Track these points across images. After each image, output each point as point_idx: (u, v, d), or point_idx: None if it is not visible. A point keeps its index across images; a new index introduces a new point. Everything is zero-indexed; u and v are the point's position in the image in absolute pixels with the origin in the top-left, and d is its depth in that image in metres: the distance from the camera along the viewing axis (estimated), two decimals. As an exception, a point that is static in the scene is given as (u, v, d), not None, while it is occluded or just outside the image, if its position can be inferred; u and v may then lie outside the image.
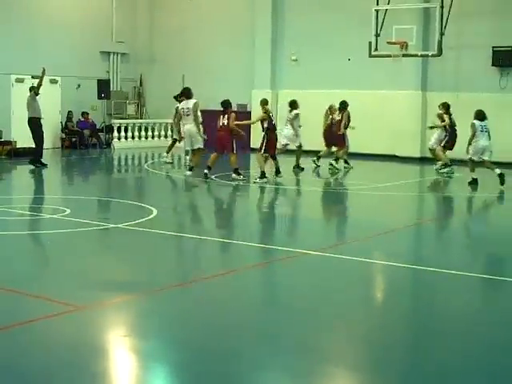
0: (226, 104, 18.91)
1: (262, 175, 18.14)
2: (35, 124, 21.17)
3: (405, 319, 7.59)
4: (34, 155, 21.27)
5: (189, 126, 18.86)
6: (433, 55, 22.79)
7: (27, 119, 21.39)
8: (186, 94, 19.58)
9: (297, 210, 15.86)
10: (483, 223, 14.62)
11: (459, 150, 19.46)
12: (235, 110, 28.35)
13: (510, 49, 23.64)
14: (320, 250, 10.44)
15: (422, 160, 24.62)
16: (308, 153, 21.96)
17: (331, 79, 26.23)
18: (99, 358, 6.12)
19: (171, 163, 22.71)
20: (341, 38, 26.10)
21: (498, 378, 5.88)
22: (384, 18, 22.50)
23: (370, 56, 22.82)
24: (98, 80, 29.42)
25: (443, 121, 20.95)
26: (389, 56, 22.52)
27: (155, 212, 13.26)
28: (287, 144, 21.15)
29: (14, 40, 26.48)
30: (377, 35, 22.53)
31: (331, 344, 6.67)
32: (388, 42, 22.28)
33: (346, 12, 25.96)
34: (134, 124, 29.37)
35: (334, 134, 21.47)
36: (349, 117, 21.57)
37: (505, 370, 6.02)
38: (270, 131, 18.77)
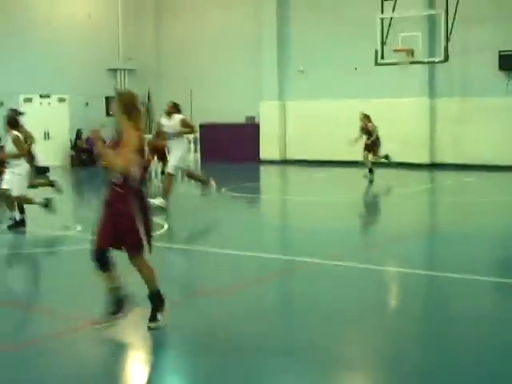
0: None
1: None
2: None
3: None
4: None
5: None
6: (439, 61, 22.34)
7: None
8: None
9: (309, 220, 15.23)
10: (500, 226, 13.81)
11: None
12: (244, 122, 28.05)
13: (516, 52, 23.12)
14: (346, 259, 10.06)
15: (432, 166, 24.02)
16: (315, 163, 21.37)
17: (339, 89, 25.80)
18: (114, 371, 6.09)
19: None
20: (347, 47, 25.63)
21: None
22: (389, 26, 21.95)
23: (376, 64, 22.25)
24: (106, 97, 28.85)
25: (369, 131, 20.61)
26: (395, 64, 21.98)
27: (168, 226, 12.98)
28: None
29: (22, 60, 26.05)
30: (382, 43, 21.99)
31: (357, 355, 6.43)
32: (394, 50, 21.77)
33: (351, 21, 25.48)
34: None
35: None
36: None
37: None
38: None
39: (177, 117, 15.83)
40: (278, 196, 18.91)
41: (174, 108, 15.97)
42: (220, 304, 7.96)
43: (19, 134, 12.72)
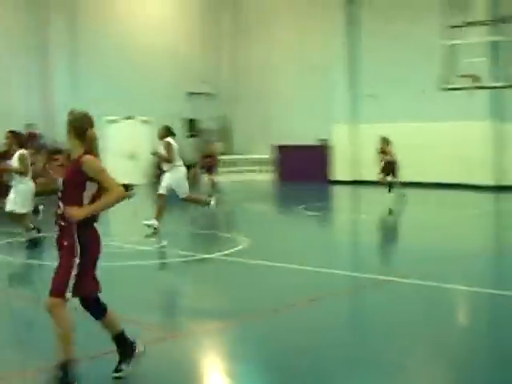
0: None
1: None
2: None
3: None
4: None
5: None
6: (504, 86, 22.65)
7: None
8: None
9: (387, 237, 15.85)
10: None
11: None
12: (318, 144, 28.76)
13: None
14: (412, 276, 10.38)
15: (497, 189, 24.42)
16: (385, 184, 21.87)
17: (407, 112, 26.21)
18: (194, 381, 6.30)
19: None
20: (415, 71, 25.99)
21: None
22: (454, 51, 22.34)
23: (441, 89, 22.68)
24: (186, 119, 30.17)
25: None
26: (459, 89, 22.40)
27: (246, 243, 13.41)
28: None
29: (107, 84, 27.37)
30: (447, 68, 22.40)
31: (426, 371, 6.56)
32: (461, 76, 22.18)
33: (420, 45, 25.82)
34: (221, 160, 29.95)
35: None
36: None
37: None
38: None
39: (165, 141, 15.41)
40: (350, 215, 19.52)
41: (167, 132, 15.55)
42: (292, 318, 8.22)
43: (25, 153, 13.52)
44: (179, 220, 19.39)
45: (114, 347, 6.21)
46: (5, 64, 24.88)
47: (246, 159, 30.05)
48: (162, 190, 15.36)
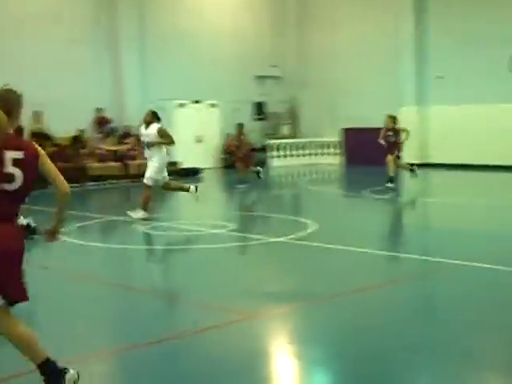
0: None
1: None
2: None
3: None
4: None
5: None
6: None
7: None
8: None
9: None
10: None
11: None
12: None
13: None
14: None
15: None
16: (454, 166, 21.63)
17: (476, 94, 25.72)
18: (266, 363, 6.32)
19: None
20: (484, 52, 25.48)
21: None
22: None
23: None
24: (254, 103, 30.25)
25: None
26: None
27: (315, 226, 13.34)
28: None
29: (175, 68, 27.53)
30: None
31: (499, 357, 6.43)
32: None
33: (488, 27, 25.20)
34: (288, 143, 29.99)
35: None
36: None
37: None
38: None
39: (154, 126, 15.12)
40: (417, 198, 19.22)
41: (153, 117, 15.30)
42: (362, 302, 8.18)
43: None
44: (246, 204, 19.44)
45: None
46: (78, 53, 25.18)
47: (314, 142, 29.94)
48: (147, 181, 15.03)
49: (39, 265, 10.27)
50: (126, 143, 25.15)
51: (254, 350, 6.57)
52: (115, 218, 15.44)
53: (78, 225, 14.61)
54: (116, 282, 9.69)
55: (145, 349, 6.57)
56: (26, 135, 12.85)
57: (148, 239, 12.97)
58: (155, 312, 8.06)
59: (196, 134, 28.73)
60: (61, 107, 23.43)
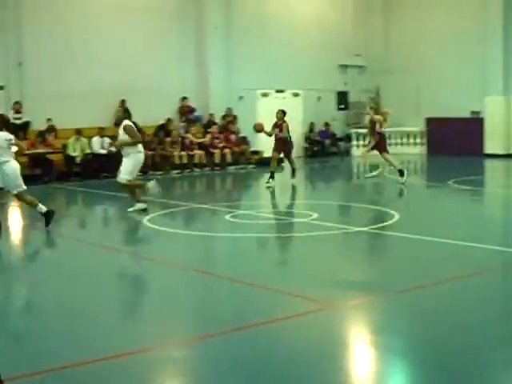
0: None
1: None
2: None
3: None
4: None
5: None
6: None
7: None
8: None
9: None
10: None
11: None
12: (469, 117, 28.20)
13: None
14: None
15: None
16: None
17: None
18: (346, 353, 6.33)
19: None
20: None
21: None
22: None
23: None
24: (337, 92, 30.14)
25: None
26: None
27: (398, 216, 13.23)
28: None
29: (258, 57, 27.58)
30: None
31: None
32: None
33: None
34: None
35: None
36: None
37: None
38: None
39: (123, 123, 14.24)
40: (502, 189, 18.96)
41: (125, 114, 14.55)
42: (445, 293, 8.07)
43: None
44: (329, 193, 19.42)
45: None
46: (165, 43, 25.53)
47: (397, 132, 29.63)
48: (124, 181, 14.35)
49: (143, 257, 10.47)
50: (209, 132, 25.36)
51: (334, 339, 6.56)
52: (199, 205, 15.62)
53: (162, 212, 14.85)
54: (199, 268, 9.80)
55: (224, 336, 6.62)
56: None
57: (231, 227, 13.07)
58: (236, 299, 8.13)
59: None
60: (147, 96, 23.83)
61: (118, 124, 14.65)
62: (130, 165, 14.23)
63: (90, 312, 7.58)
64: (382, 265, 10.01)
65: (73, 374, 5.73)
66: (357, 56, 30.98)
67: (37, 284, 9.12)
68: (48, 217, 12.76)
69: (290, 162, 19.96)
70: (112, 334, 6.78)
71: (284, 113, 19.88)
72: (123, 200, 15.38)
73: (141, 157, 14.39)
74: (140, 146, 14.40)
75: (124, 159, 14.32)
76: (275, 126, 19.56)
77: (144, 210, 14.31)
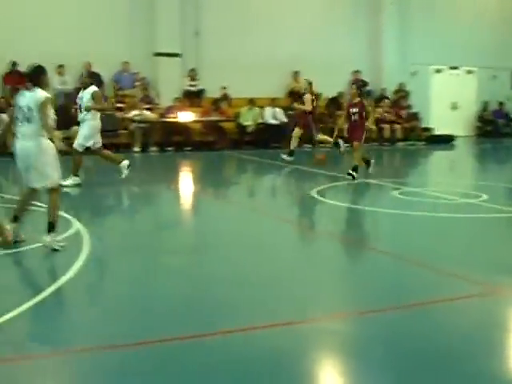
0: None
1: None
2: None
3: None
4: None
5: None
6: None
7: None
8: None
9: None
10: None
11: None
12: None
13: None
14: None
15: None
16: None
17: None
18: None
19: None
20: None
21: None
22: None
23: None
24: (515, 71, 29.23)
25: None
26: None
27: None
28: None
29: (433, 33, 27.10)
30: None
31: None
32: None
33: None
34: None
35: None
36: None
37: None
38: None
39: (90, 89, 13.87)
40: None
41: (91, 79, 14.23)
42: None
43: None
44: (501, 175, 18.94)
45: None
46: (337, 15, 25.68)
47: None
48: (78, 147, 13.97)
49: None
50: (380, 106, 25.22)
51: (499, 324, 6.46)
52: (367, 180, 15.64)
53: (330, 185, 14.99)
54: (364, 244, 9.88)
55: (379, 314, 6.61)
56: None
57: (400, 204, 13.01)
58: (397, 277, 8.08)
59: (451, 100, 28.23)
60: (319, 69, 23.91)
61: (84, 87, 14.20)
62: (84, 133, 14.04)
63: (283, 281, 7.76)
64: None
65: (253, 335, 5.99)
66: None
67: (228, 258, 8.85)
68: None
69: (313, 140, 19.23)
70: (292, 302, 6.92)
71: (310, 83, 18.80)
72: (294, 172, 15.63)
73: (98, 122, 14.10)
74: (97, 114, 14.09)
75: (80, 128, 14.24)
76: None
77: (78, 186, 13.89)
